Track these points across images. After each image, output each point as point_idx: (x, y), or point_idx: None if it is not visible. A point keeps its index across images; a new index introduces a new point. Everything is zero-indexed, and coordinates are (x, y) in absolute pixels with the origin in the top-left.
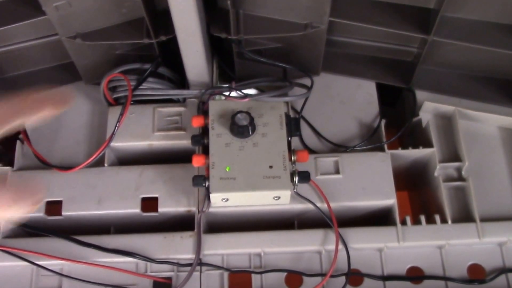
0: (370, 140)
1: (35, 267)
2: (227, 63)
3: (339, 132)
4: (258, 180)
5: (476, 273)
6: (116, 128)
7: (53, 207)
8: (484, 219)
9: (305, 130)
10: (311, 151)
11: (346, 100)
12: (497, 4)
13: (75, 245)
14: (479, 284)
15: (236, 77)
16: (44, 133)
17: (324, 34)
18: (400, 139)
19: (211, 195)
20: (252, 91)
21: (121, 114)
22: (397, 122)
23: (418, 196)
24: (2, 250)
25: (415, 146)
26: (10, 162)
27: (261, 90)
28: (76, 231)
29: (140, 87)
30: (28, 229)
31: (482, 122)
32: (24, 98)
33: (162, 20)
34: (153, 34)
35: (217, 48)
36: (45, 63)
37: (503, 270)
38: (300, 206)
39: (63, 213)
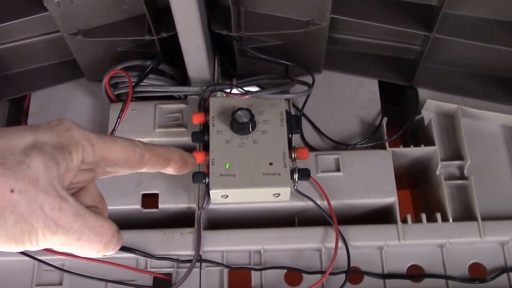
0: (372, 138)
1: (36, 262)
2: (229, 60)
3: (340, 130)
4: (258, 177)
5: (477, 272)
6: (117, 124)
7: None
8: (486, 218)
9: (306, 127)
10: (312, 148)
11: (348, 98)
12: (500, 2)
13: None
14: (480, 283)
15: (238, 74)
16: None
17: (326, 31)
18: (403, 137)
19: (211, 192)
20: (253, 88)
21: (122, 111)
22: (400, 120)
23: (420, 195)
24: None
25: (417, 144)
26: None
27: (262, 88)
28: None
29: (141, 84)
30: None
31: (484, 121)
32: (172, 151)
33: (163, 17)
34: (154, 31)
35: (219, 45)
36: (47, 59)
37: (505, 269)
38: (301, 204)
39: None
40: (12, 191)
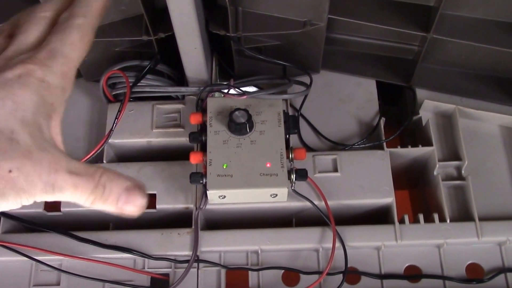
0: (369, 139)
1: (34, 262)
2: (227, 60)
3: (338, 130)
4: (255, 177)
5: (475, 273)
6: (115, 124)
7: (53, 203)
8: (483, 218)
9: (304, 128)
10: (310, 149)
11: (345, 98)
12: (497, 2)
13: (73, 240)
14: (477, 283)
15: (236, 74)
16: None
17: (324, 32)
18: (401, 137)
19: (208, 192)
20: (251, 89)
21: (119, 111)
22: (398, 120)
23: (418, 195)
24: (2, 245)
25: (415, 145)
26: None
27: (260, 88)
28: (75, 227)
29: (139, 84)
30: (27, 225)
31: (482, 121)
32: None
33: (161, 17)
34: (151, 31)
35: (217, 45)
36: None
37: (502, 270)
38: (298, 204)
39: (62, 209)
40: (10, 171)
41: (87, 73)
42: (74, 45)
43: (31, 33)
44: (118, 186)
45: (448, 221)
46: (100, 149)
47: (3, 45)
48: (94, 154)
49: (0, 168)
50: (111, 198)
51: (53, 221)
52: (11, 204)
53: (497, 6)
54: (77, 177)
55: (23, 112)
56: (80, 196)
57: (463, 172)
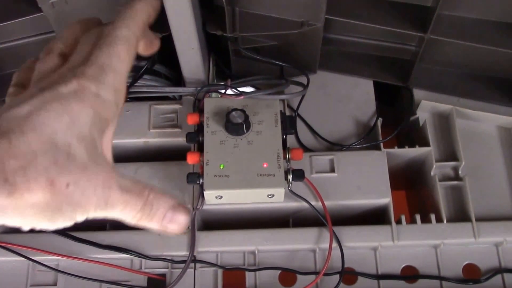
0: (367, 139)
1: (31, 262)
2: (224, 60)
3: (335, 131)
4: (252, 177)
5: (471, 273)
6: None
7: None
8: (480, 219)
9: (301, 128)
10: (307, 149)
11: (343, 99)
12: (495, 3)
13: (70, 241)
14: (474, 284)
15: (233, 74)
16: None
17: (321, 32)
18: (398, 138)
19: (205, 193)
20: (248, 89)
21: None
22: (395, 121)
23: (416, 195)
24: None
25: (412, 145)
26: None
27: (257, 88)
28: (73, 227)
29: (136, 84)
30: None
31: (480, 121)
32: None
33: (158, 17)
34: None
35: (214, 45)
36: None
37: (499, 270)
38: (295, 204)
39: None
40: (67, 185)
41: None
42: (121, 57)
43: (81, 50)
44: (164, 205)
45: (445, 221)
46: None
47: (57, 63)
48: None
49: (57, 182)
50: (157, 216)
51: None
52: (66, 219)
53: (494, 6)
54: (128, 195)
55: (79, 127)
56: (128, 213)
57: (460, 172)
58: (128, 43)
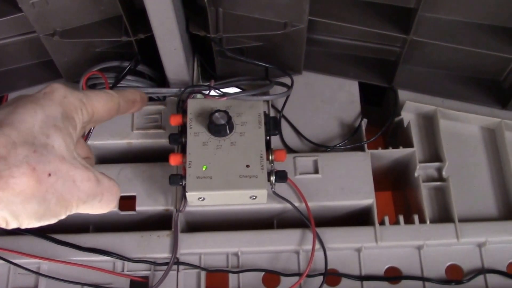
0: (351, 140)
1: (11, 265)
2: (209, 61)
3: (320, 132)
4: (235, 179)
5: (454, 274)
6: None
7: None
8: (463, 220)
9: (286, 129)
10: (292, 150)
11: (327, 99)
12: (475, 5)
13: (52, 243)
14: (456, 284)
15: (217, 75)
16: None
17: (304, 33)
18: (384, 138)
19: (187, 194)
20: (233, 90)
21: None
22: (382, 121)
23: (401, 196)
24: None
25: (396, 146)
26: None
27: (242, 89)
28: (55, 229)
29: (119, 85)
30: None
31: (464, 122)
32: (135, 93)
33: (140, 18)
34: (131, 32)
35: (199, 46)
36: (25, 60)
37: (481, 271)
38: (279, 206)
39: None
40: (49, 174)
41: (67, 73)
42: (100, 98)
43: None
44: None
45: (428, 222)
46: None
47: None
48: None
49: (39, 169)
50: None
51: None
52: (52, 213)
53: (476, 8)
54: (102, 184)
55: (54, 120)
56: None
57: (443, 173)
58: (111, 98)
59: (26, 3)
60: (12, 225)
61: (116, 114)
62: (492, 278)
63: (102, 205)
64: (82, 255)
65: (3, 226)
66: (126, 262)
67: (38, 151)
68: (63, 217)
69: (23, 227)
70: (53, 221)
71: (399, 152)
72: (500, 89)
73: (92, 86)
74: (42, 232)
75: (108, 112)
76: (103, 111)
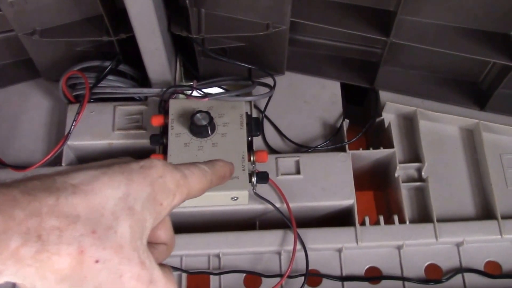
0: (333, 140)
1: None
2: (192, 61)
3: (302, 132)
4: None
5: (433, 273)
6: (73, 127)
7: None
8: (442, 220)
9: (268, 130)
10: (274, 151)
11: (310, 100)
12: (454, 9)
13: None
14: (435, 284)
15: (200, 75)
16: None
17: (286, 34)
18: (367, 138)
19: None
20: (216, 90)
21: (78, 113)
22: (364, 122)
23: (382, 197)
24: None
25: (377, 147)
26: None
27: (225, 89)
28: None
29: (100, 85)
30: None
31: (443, 123)
32: (214, 169)
33: (121, 17)
34: (112, 31)
35: (182, 46)
36: (3, 59)
37: (459, 270)
38: (261, 207)
39: None
40: (96, 261)
41: (47, 72)
42: (197, 178)
43: None
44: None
45: (407, 222)
46: (59, 151)
47: None
48: (51, 156)
49: (87, 253)
50: None
51: None
52: None
53: (454, 12)
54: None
55: (133, 201)
56: None
57: (423, 173)
58: (205, 176)
59: (4, 2)
60: None
61: (207, 190)
62: (470, 277)
63: None
64: None
65: None
66: None
67: (97, 233)
68: None
69: None
70: None
71: (380, 153)
72: (478, 90)
73: (73, 86)
74: None
75: (201, 192)
76: (197, 190)
